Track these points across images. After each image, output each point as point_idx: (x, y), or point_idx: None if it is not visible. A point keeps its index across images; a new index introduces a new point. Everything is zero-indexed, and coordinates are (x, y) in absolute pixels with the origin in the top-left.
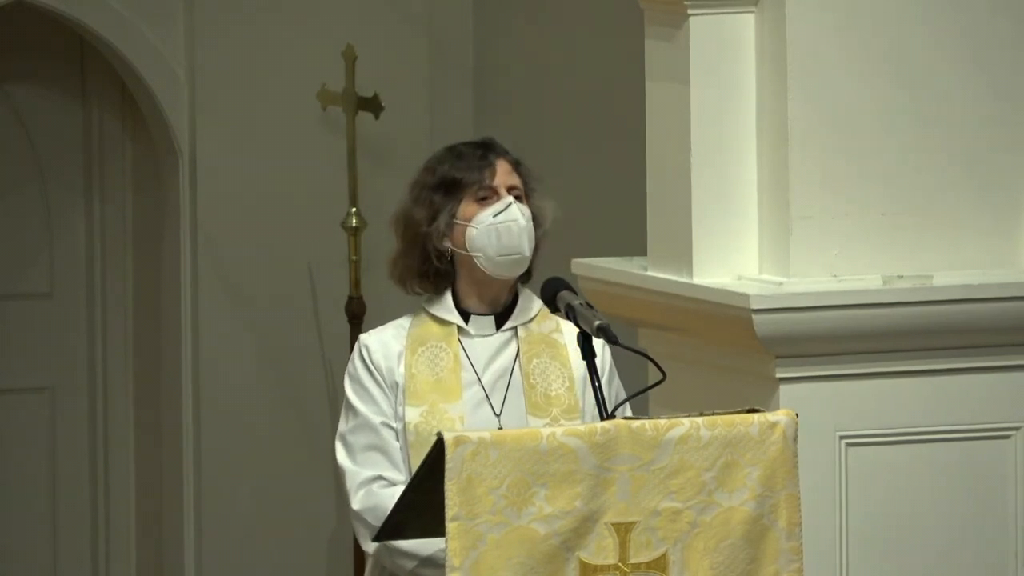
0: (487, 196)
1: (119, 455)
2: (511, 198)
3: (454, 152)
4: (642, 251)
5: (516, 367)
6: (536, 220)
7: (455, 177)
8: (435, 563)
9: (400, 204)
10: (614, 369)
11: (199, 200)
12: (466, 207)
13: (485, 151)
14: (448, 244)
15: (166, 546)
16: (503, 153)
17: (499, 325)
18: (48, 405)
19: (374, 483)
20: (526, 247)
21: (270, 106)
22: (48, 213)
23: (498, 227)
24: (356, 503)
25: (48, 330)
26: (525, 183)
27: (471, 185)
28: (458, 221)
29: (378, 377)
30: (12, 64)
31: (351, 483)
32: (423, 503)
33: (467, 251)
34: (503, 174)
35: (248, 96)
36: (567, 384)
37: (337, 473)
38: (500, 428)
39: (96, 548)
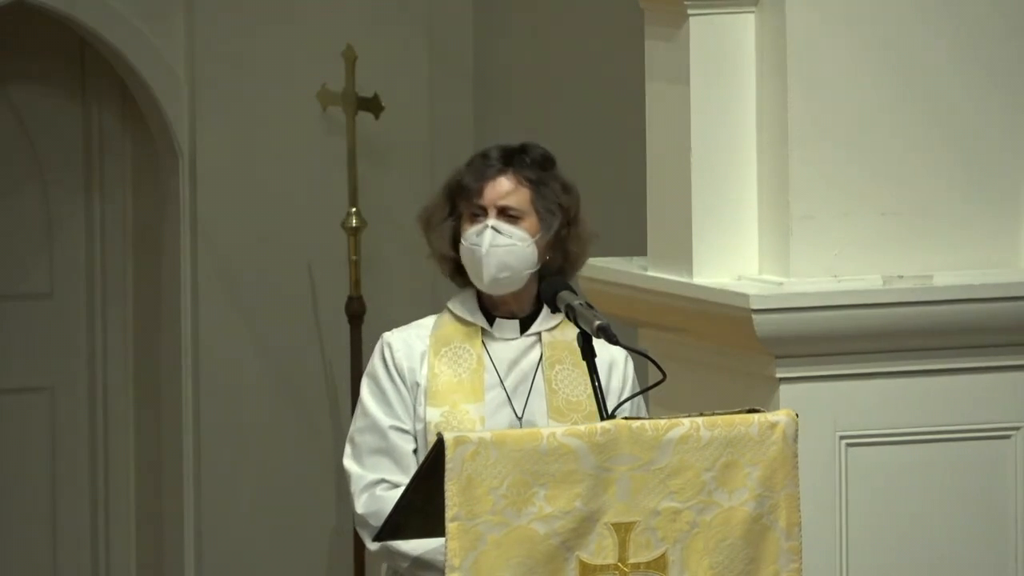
0: (477, 214)
1: (119, 455)
2: (491, 221)
3: (478, 156)
4: (642, 251)
5: (539, 372)
6: (558, 248)
7: (458, 184)
8: (425, 563)
9: (429, 199)
10: (637, 383)
11: (199, 200)
12: (464, 221)
13: (493, 161)
14: (454, 254)
15: (166, 546)
16: (515, 166)
17: (523, 329)
18: (48, 405)
19: (377, 486)
20: (488, 273)
21: (270, 106)
22: (48, 213)
23: (470, 250)
24: (360, 507)
25: (48, 330)
26: (538, 199)
27: (467, 199)
28: (459, 232)
29: (397, 379)
30: (12, 64)
31: (355, 486)
32: (423, 503)
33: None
34: (497, 191)
35: (248, 96)
36: (589, 391)
37: (343, 475)
38: None
39: (96, 548)
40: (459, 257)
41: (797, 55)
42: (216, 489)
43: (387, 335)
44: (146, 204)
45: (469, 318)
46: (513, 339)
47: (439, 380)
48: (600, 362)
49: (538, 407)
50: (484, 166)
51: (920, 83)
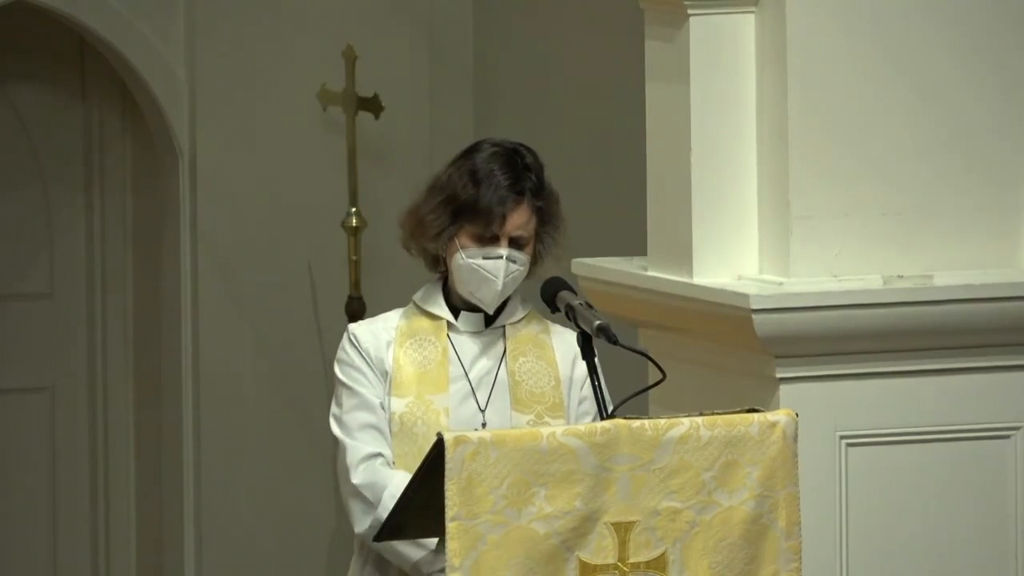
0: (486, 236)
1: (119, 455)
2: (505, 252)
3: (486, 171)
4: (642, 251)
5: (503, 365)
6: (535, 259)
7: (471, 204)
8: (421, 570)
9: (417, 199)
10: (599, 369)
11: (199, 200)
12: (466, 233)
13: (514, 188)
14: (443, 254)
15: (166, 546)
16: (532, 192)
17: (488, 323)
18: (48, 405)
19: (376, 459)
20: (493, 303)
21: (270, 106)
22: (48, 213)
23: (478, 271)
24: (356, 476)
25: (48, 330)
26: (542, 223)
27: (478, 220)
28: (455, 240)
29: (370, 361)
30: (12, 64)
31: (352, 458)
32: (423, 503)
33: (451, 269)
34: (515, 223)
35: (248, 96)
36: (552, 383)
37: (335, 451)
38: (484, 423)
39: (96, 548)
40: (446, 258)
41: (797, 55)
42: (216, 489)
43: (352, 326)
44: (146, 204)
45: (434, 311)
46: (478, 332)
47: (404, 371)
48: (565, 352)
49: (501, 399)
50: (498, 193)
51: (920, 83)
